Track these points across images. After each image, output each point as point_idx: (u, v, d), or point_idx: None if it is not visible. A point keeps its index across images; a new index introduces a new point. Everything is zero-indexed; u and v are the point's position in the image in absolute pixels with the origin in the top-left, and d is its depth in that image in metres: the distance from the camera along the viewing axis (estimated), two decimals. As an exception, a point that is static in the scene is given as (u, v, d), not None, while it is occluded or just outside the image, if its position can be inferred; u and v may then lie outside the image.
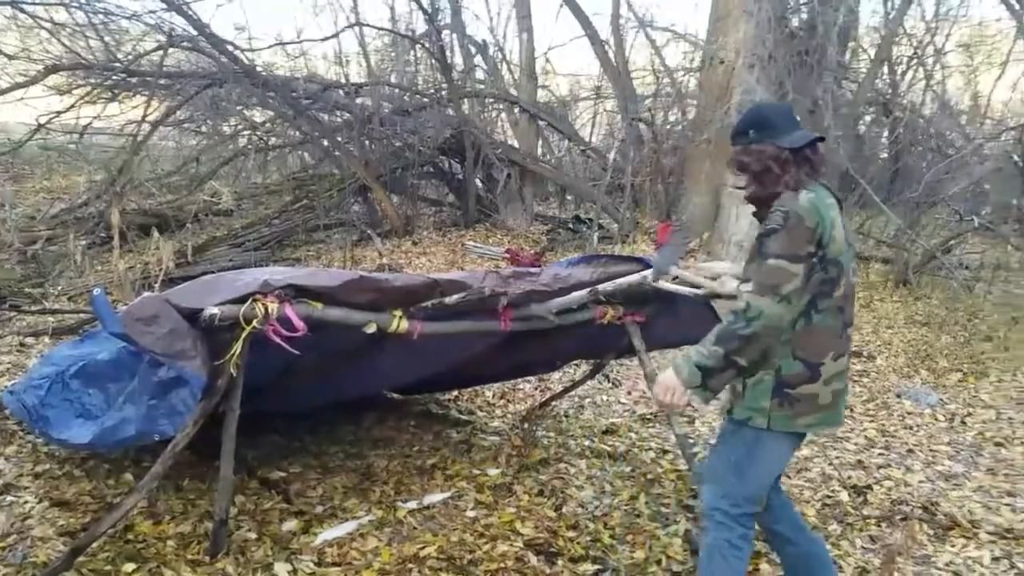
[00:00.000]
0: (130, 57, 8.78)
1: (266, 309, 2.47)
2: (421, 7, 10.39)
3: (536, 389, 5.11)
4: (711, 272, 2.97)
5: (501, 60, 13.27)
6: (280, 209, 9.60)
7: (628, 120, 11.22)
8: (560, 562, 2.85)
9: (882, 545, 3.12)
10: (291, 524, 3.00)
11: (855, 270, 2.29)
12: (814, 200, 2.07)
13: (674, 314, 3.46)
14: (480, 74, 12.99)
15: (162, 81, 8.84)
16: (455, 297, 2.88)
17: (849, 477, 3.83)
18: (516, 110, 11.83)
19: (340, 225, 9.67)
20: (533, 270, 3.30)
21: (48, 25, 8.44)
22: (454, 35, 11.69)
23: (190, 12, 8.37)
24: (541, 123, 12.00)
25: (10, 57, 8.55)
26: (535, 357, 4.09)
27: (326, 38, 11.03)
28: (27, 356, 5.03)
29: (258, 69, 9.39)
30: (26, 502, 3.02)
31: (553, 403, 4.67)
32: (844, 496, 3.59)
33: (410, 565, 2.74)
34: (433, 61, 11.02)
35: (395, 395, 4.74)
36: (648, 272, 3.09)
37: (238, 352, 2.49)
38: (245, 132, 10.61)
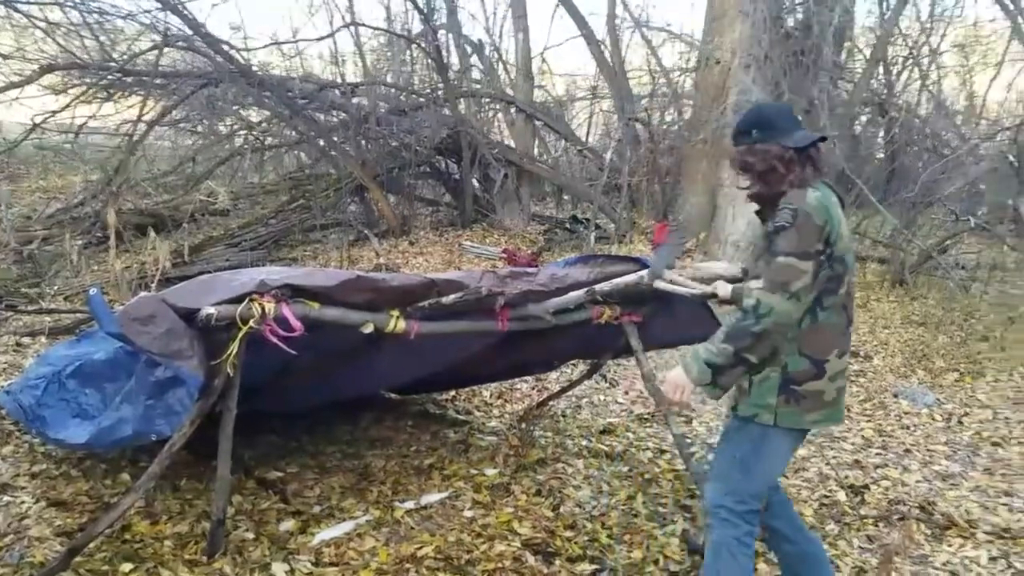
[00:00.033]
0: (125, 57, 8.75)
1: (263, 309, 2.46)
2: (417, 7, 10.39)
3: (533, 389, 5.11)
4: (708, 272, 2.97)
5: (497, 60, 13.29)
6: (276, 209, 9.58)
7: (624, 120, 11.23)
8: (557, 562, 2.85)
9: (879, 545, 3.13)
10: (288, 524, 3.00)
11: (855, 269, 2.31)
12: (821, 198, 2.10)
13: (671, 314, 3.46)
14: (476, 74, 13.01)
15: (158, 81, 8.80)
16: (452, 297, 2.88)
17: (846, 477, 3.84)
18: (512, 110, 11.83)
19: (337, 225, 9.66)
20: (530, 270, 3.30)
21: (43, 24, 8.39)
22: (450, 35, 11.70)
23: (185, 12, 8.35)
24: (538, 123, 12.00)
25: (5, 57, 8.50)
26: (532, 357, 4.09)
27: (322, 38, 11.13)
28: (23, 356, 5.02)
29: (254, 69, 9.37)
30: (23, 502, 3.01)
31: (550, 403, 4.67)
32: (841, 496, 3.59)
33: (407, 565, 2.74)
34: (429, 61, 11.01)
35: (392, 395, 4.73)
36: (645, 272, 3.10)
37: (235, 352, 2.49)
38: (241, 132, 10.57)
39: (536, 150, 12.59)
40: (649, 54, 13.27)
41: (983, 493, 3.71)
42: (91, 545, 2.62)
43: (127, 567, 2.58)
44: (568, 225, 10.56)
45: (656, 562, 2.89)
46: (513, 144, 11.67)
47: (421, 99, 10.97)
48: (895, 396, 5.33)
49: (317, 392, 3.74)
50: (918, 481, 3.85)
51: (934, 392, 5.38)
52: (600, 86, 14.19)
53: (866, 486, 3.71)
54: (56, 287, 6.85)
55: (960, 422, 4.82)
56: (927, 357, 6.30)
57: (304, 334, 2.53)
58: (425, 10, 10.41)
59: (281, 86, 9.45)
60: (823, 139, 2.24)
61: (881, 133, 13.07)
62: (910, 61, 12.44)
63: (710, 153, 9.29)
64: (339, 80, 11.23)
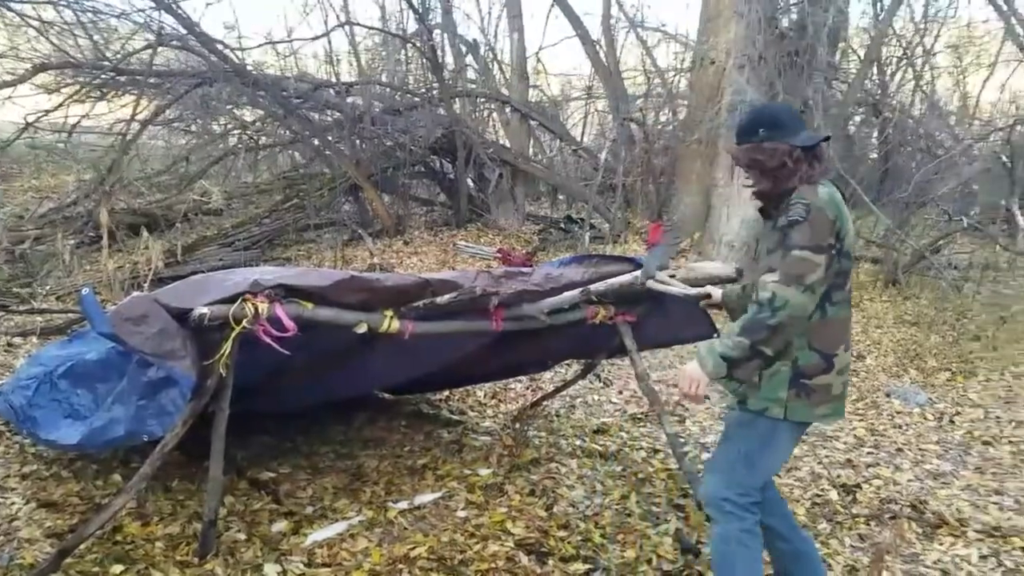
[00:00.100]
0: (119, 56, 8.72)
1: (256, 309, 2.46)
2: (412, 6, 10.38)
3: (527, 389, 5.11)
4: (702, 272, 2.98)
5: (492, 60, 13.28)
6: (270, 208, 9.57)
7: (619, 120, 11.24)
8: (551, 562, 2.85)
9: (871, 543, 3.13)
10: (281, 525, 2.99)
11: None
12: (831, 194, 2.17)
13: (665, 314, 3.47)
14: (471, 73, 13.01)
15: (151, 80, 8.78)
16: (446, 297, 2.88)
17: (838, 476, 3.85)
18: (507, 110, 11.83)
19: (331, 224, 9.65)
20: (525, 270, 3.31)
21: (36, 23, 8.37)
22: (445, 34, 11.70)
23: (179, 11, 8.33)
24: (532, 123, 12.01)
25: (-2, 55, 8.49)
26: (526, 357, 4.09)
27: (316, 37, 11.10)
28: (15, 356, 5.00)
29: (248, 68, 9.35)
30: (13, 503, 2.99)
31: (544, 403, 4.67)
32: (833, 495, 3.60)
33: (400, 566, 2.74)
34: (424, 60, 11.00)
35: (386, 395, 4.73)
36: (639, 272, 3.10)
37: (227, 352, 2.48)
38: (235, 131, 10.56)
39: (531, 150, 12.60)
40: (644, 54, 13.32)
41: (974, 492, 3.72)
42: (82, 546, 2.60)
43: (118, 568, 2.57)
44: (563, 225, 10.57)
45: (649, 561, 2.89)
46: (508, 144, 11.67)
47: (416, 99, 10.96)
48: (887, 395, 5.34)
49: (311, 392, 3.73)
50: (910, 480, 3.86)
51: (926, 391, 5.40)
52: (595, 86, 14.21)
53: (858, 485, 3.72)
54: (48, 287, 6.83)
55: (952, 421, 4.83)
56: (919, 356, 6.32)
57: (297, 334, 2.53)
58: (420, 9, 10.41)
59: (275, 85, 9.43)
60: (827, 138, 2.30)
61: (875, 133, 13.08)
62: (904, 62, 12.47)
63: (705, 153, 9.30)
64: (334, 79, 11.22)
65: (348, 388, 3.97)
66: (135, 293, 2.74)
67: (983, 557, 3.05)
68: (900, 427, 4.73)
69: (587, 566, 2.83)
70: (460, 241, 9.75)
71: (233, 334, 2.45)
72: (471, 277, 3.01)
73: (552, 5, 12.50)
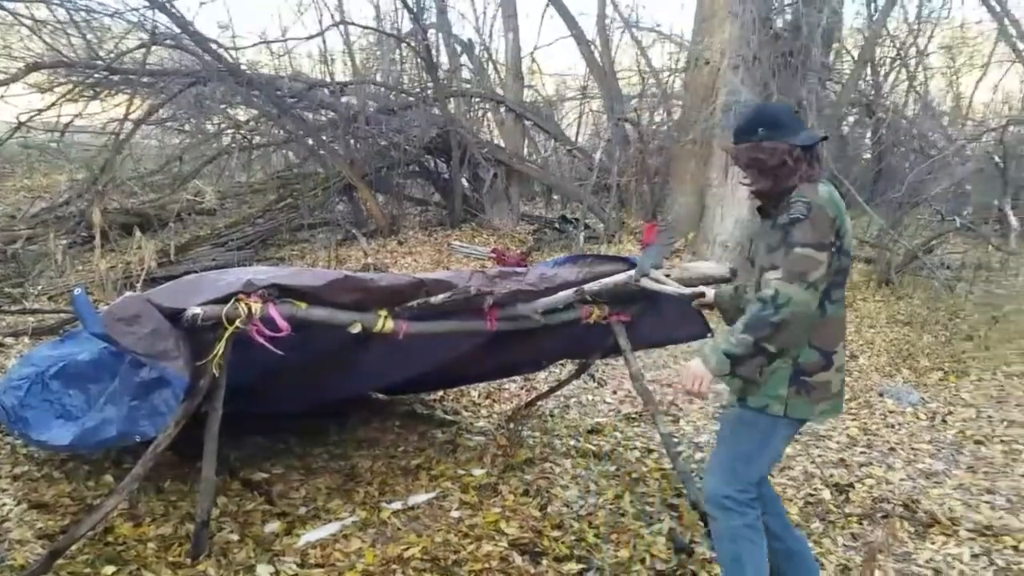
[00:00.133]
0: (112, 55, 8.69)
1: (249, 309, 2.45)
2: (406, 6, 10.36)
3: (522, 389, 5.11)
4: (696, 272, 2.98)
5: (487, 59, 13.24)
6: (264, 208, 9.53)
7: (614, 120, 11.24)
8: (545, 562, 2.85)
9: (863, 543, 3.14)
10: (274, 525, 2.99)
11: None
12: (831, 192, 2.20)
13: (659, 313, 3.47)
14: (466, 73, 12.97)
15: (145, 79, 8.74)
16: (441, 297, 2.88)
17: (831, 475, 3.86)
18: (502, 110, 11.81)
19: (325, 224, 9.62)
20: (519, 270, 3.31)
21: (29, 22, 8.34)
22: (440, 34, 11.66)
23: (173, 10, 8.30)
24: (527, 123, 11.99)
25: (-10, 54, 8.45)
26: (521, 357, 4.09)
27: (311, 36, 10.96)
28: (6, 356, 4.97)
29: (242, 67, 9.32)
30: (4, 504, 2.98)
31: (539, 403, 4.67)
32: (826, 494, 3.61)
33: (394, 566, 2.73)
34: (419, 60, 10.98)
35: (380, 395, 4.72)
36: (633, 271, 3.10)
37: (221, 352, 2.47)
38: (229, 131, 10.52)
39: (526, 150, 12.58)
40: (639, 54, 13.27)
41: (966, 491, 3.74)
42: (73, 547, 2.59)
43: (110, 570, 2.56)
44: (557, 225, 10.57)
45: (643, 561, 2.89)
46: (503, 144, 11.66)
47: (410, 98, 10.95)
48: (880, 395, 5.36)
49: (304, 392, 3.72)
50: (902, 479, 3.88)
51: (919, 391, 5.42)
52: (590, 86, 14.19)
53: (851, 484, 3.74)
54: (40, 287, 6.80)
55: (944, 421, 4.85)
56: (912, 356, 6.34)
57: (291, 334, 2.52)
58: (415, 9, 10.38)
59: (269, 85, 9.40)
60: (825, 138, 2.33)
61: (868, 134, 13.14)
62: (897, 62, 12.50)
63: (699, 153, 9.31)
64: (328, 79, 11.17)
65: (342, 388, 3.96)
66: (128, 293, 2.72)
67: (975, 556, 3.07)
68: (893, 426, 4.75)
69: (581, 566, 2.84)
70: (454, 241, 9.74)
71: (226, 334, 2.44)
72: (465, 277, 3.01)
73: (547, 5, 12.48)
